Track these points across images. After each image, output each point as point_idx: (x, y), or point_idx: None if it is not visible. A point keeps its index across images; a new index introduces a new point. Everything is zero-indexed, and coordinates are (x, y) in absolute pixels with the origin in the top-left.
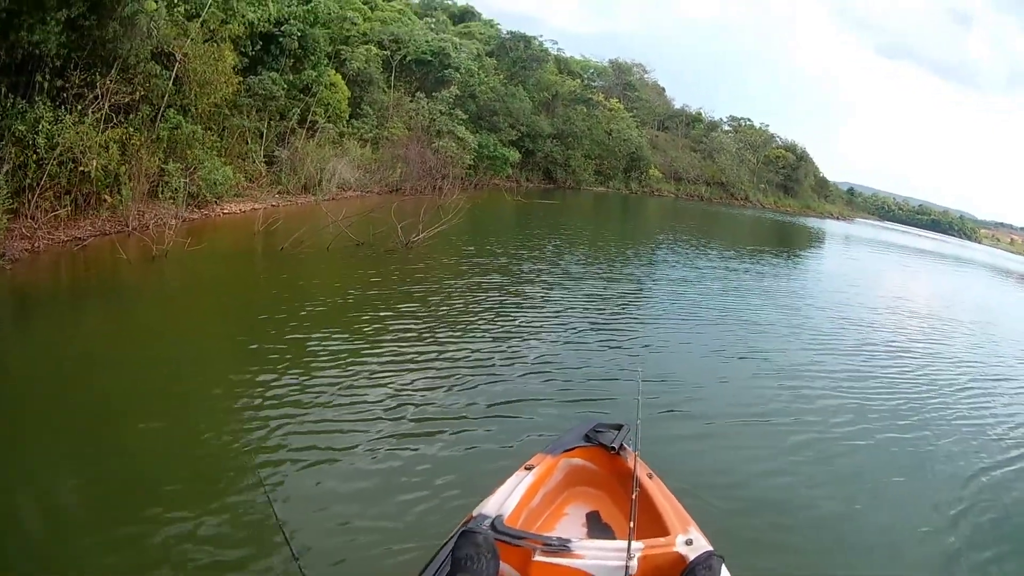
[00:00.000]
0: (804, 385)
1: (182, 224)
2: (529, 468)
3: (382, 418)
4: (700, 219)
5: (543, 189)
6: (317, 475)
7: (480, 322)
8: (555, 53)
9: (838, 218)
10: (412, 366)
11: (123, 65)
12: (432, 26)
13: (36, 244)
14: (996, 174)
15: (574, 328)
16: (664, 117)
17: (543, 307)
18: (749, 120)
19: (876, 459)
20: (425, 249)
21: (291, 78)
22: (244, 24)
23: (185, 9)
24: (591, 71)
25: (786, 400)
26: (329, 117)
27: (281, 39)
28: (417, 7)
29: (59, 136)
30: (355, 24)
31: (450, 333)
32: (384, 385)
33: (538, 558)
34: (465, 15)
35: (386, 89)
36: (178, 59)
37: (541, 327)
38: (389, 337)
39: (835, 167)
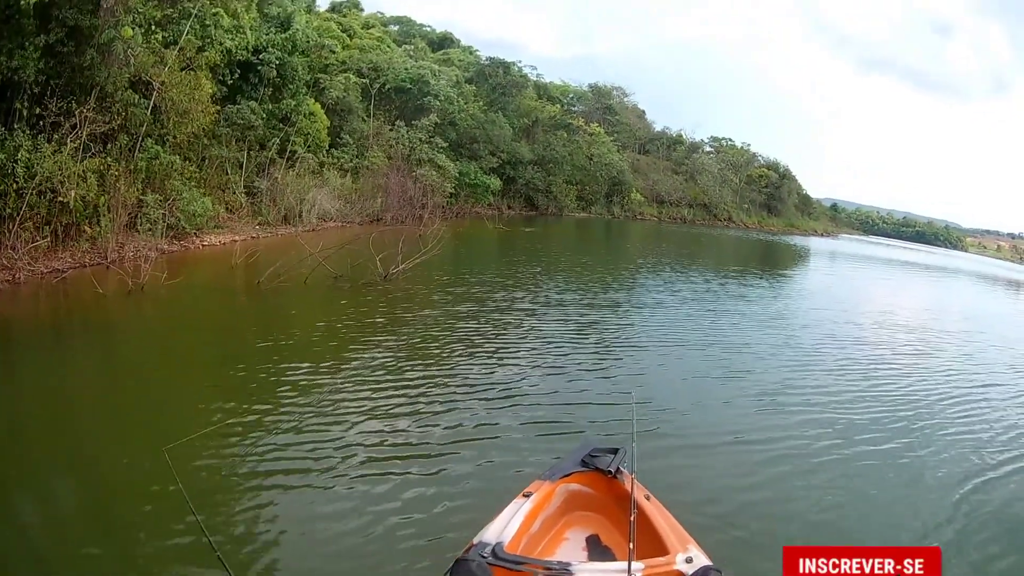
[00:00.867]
0: (796, 403)
1: (161, 256)
2: (527, 495)
3: (371, 452)
4: (683, 242)
5: (525, 216)
6: (301, 506)
7: (458, 353)
8: (534, 79)
9: (822, 235)
10: (395, 400)
11: (101, 93)
12: (411, 53)
13: (16, 275)
14: (981, 182)
15: (560, 355)
16: (645, 140)
17: (527, 336)
18: (731, 140)
19: (873, 474)
20: (404, 281)
21: (270, 107)
22: (222, 52)
23: (163, 37)
24: (571, 96)
25: (780, 418)
26: (309, 147)
27: (260, 67)
28: (395, 34)
29: (38, 165)
30: (334, 52)
31: (428, 365)
32: (374, 417)
33: None
34: (444, 42)
35: (365, 118)
36: (156, 88)
37: (528, 355)
38: (370, 370)
39: (818, 184)
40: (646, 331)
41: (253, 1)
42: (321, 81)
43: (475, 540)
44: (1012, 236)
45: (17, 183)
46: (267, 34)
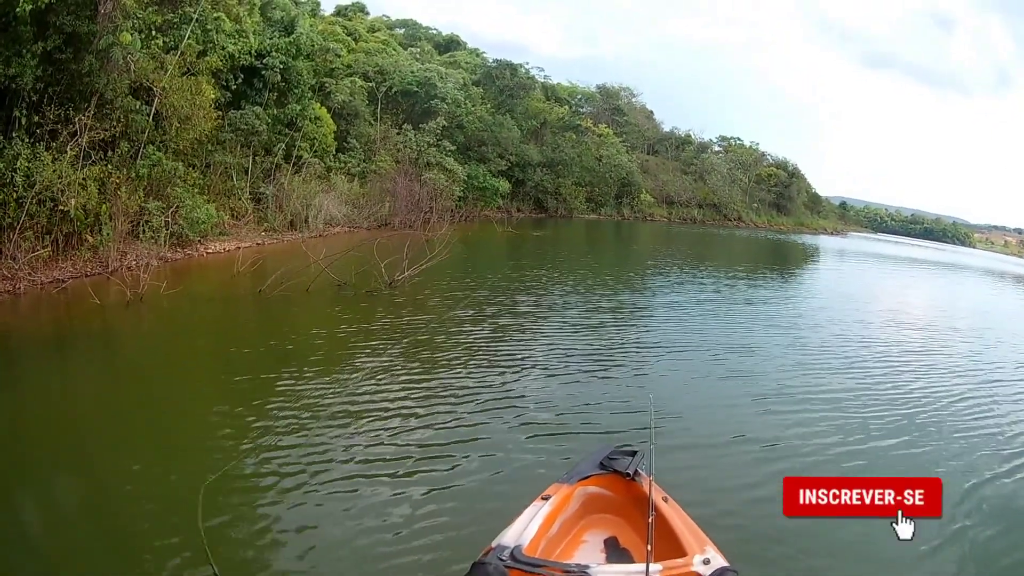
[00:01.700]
0: (812, 403)
1: (164, 265)
2: (546, 498)
3: (385, 457)
4: (694, 243)
5: (534, 219)
6: (308, 509)
7: (470, 359)
8: (542, 80)
9: (832, 233)
10: (407, 404)
11: (100, 100)
12: (417, 56)
13: (17, 286)
14: (988, 177)
15: (575, 359)
16: (653, 141)
17: (538, 340)
18: (739, 139)
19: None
20: (411, 288)
21: (275, 112)
22: (224, 57)
23: (163, 42)
24: (579, 97)
25: (796, 419)
26: (315, 152)
27: (263, 72)
28: (401, 37)
29: (37, 174)
30: (339, 56)
31: (438, 372)
32: (386, 424)
33: None
34: (450, 44)
35: (372, 122)
36: (157, 93)
37: (541, 359)
38: (378, 380)
39: (827, 182)
40: (660, 333)
41: (255, 5)
42: (327, 85)
43: (494, 543)
44: (1019, 231)
45: (17, 192)
46: (271, 38)
